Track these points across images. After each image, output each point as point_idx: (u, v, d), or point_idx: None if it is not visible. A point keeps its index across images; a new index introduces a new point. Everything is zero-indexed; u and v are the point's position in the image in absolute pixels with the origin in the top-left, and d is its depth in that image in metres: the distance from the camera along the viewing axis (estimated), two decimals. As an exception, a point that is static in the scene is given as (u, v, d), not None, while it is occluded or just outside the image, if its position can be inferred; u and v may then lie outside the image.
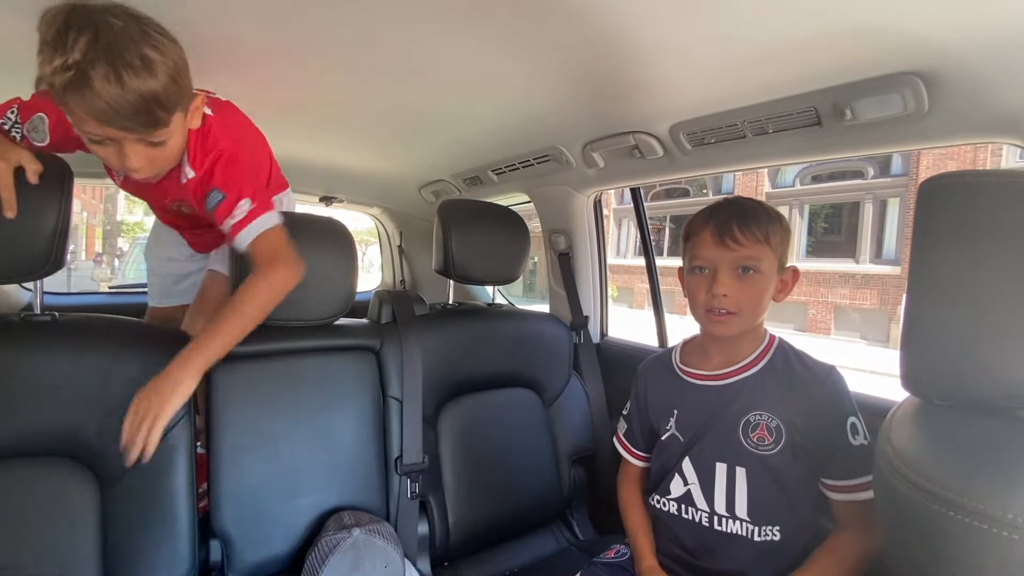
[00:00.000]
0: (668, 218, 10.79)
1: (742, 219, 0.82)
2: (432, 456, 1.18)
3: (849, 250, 8.73)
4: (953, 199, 0.47)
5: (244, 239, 0.92)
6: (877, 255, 8.45)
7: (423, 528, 1.16)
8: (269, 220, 0.94)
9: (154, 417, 0.80)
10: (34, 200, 0.81)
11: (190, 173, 0.93)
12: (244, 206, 0.92)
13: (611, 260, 1.70)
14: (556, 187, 1.55)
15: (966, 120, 0.77)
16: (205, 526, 0.95)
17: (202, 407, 0.99)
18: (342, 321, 1.16)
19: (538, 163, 1.46)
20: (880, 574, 0.75)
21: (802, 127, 0.92)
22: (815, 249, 9.26)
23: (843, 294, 8.55)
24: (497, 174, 1.63)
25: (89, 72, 0.66)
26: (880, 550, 0.75)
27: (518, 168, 1.54)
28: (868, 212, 8.44)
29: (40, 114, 0.88)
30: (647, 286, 1.57)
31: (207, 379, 1.00)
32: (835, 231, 9.17)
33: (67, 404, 0.83)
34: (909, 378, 0.49)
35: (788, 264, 0.86)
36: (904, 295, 0.51)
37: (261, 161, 1.17)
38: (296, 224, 1.07)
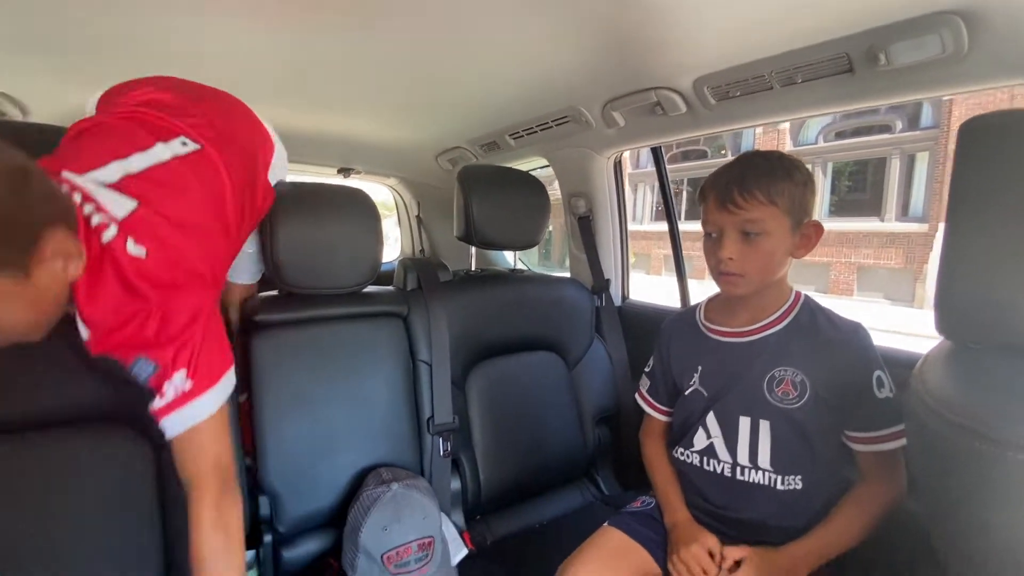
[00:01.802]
0: (685, 181, 10.55)
1: (741, 182, 0.80)
2: (462, 417, 1.22)
3: (874, 208, 8.46)
4: (993, 140, 0.46)
5: (171, 428, 0.69)
6: (903, 212, 8.18)
7: (456, 484, 1.21)
8: (206, 405, 0.70)
9: None
10: None
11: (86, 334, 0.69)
12: (178, 381, 0.68)
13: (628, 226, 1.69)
14: (575, 149, 1.53)
15: (1006, 61, 0.74)
16: (254, 483, 1.01)
17: (243, 373, 1.03)
18: (369, 289, 1.18)
19: (556, 125, 1.44)
20: (905, 522, 0.77)
21: (832, 75, 0.90)
22: (838, 208, 8.99)
23: (867, 253, 8.33)
24: (515, 138, 1.61)
25: None
26: (901, 501, 0.77)
27: (536, 131, 1.52)
28: (895, 168, 8.12)
29: None
30: (664, 251, 1.56)
31: (247, 348, 1.04)
32: (860, 189, 8.86)
33: (116, 376, 0.87)
34: (944, 322, 0.49)
35: (812, 218, 0.84)
36: (931, 252, 0.50)
37: (216, 243, 0.80)
38: (322, 194, 1.09)
